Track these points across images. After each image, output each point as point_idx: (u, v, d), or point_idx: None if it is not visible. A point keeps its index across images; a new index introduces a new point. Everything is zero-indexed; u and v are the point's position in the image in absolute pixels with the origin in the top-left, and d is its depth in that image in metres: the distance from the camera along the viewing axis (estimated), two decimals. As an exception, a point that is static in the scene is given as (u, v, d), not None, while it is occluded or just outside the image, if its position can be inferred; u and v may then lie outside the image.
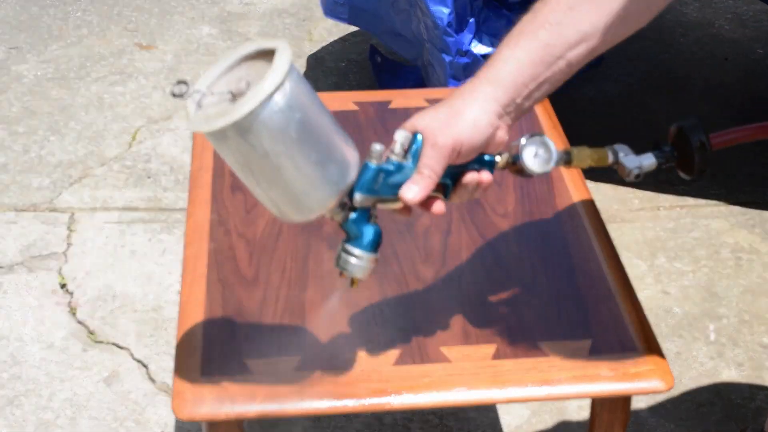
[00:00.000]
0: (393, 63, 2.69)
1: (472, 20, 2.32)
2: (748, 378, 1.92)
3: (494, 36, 2.37)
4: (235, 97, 0.95)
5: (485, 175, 1.07)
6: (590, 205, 1.42)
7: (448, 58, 2.27)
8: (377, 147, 1.03)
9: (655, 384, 1.14)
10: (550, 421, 1.82)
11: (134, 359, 1.95)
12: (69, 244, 2.25)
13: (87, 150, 2.59)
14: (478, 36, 2.35)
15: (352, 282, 1.07)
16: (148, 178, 2.48)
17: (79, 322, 2.04)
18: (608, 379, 1.14)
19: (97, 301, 2.09)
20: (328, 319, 1.20)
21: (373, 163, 1.02)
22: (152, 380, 1.91)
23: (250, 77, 0.96)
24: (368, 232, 1.04)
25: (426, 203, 1.05)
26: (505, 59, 1.04)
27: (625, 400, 1.23)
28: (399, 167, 1.03)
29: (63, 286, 2.14)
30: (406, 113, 1.61)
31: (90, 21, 3.23)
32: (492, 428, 1.81)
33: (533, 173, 1.08)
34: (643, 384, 1.14)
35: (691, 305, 2.09)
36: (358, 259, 1.04)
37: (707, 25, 3.20)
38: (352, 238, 1.04)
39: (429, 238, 1.34)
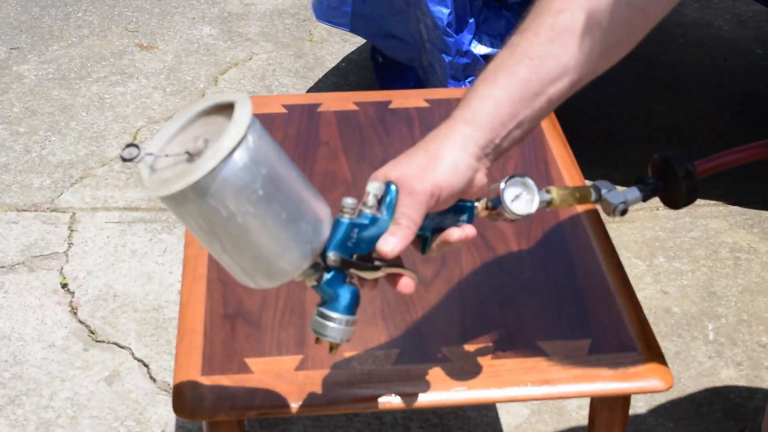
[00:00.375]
0: (394, 63, 2.69)
1: (471, 20, 2.32)
2: (746, 377, 1.92)
3: (494, 36, 2.37)
4: (192, 156, 0.87)
5: (469, 230, 1.00)
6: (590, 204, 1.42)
7: (448, 59, 2.27)
8: (349, 201, 0.95)
9: (654, 383, 1.15)
10: (550, 421, 1.83)
11: (135, 359, 1.96)
12: (70, 244, 2.26)
13: (88, 150, 2.59)
14: (478, 36, 2.35)
15: (331, 348, 0.99)
16: (149, 178, 2.48)
17: (80, 322, 2.05)
18: (607, 379, 1.15)
19: (97, 300, 2.10)
20: None
21: (345, 218, 0.95)
22: (153, 380, 1.91)
23: (208, 134, 0.88)
24: (345, 293, 0.96)
25: (392, 279, 0.99)
26: (483, 97, 0.98)
27: (625, 399, 1.23)
28: (373, 220, 0.95)
29: (64, 285, 2.14)
30: (406, 113, 1.61)
31: (91, 21, 3.23)
32: (492, 427, 1.81)
33: (516, 216, 1.02)
34: (642, 383, 1.15)
35: (689, 305, 2.10)
36: (337, 323, 0.96)
37: (706, 26, 3.20)
38: (328, 301, 0.96)
39: (429, 238, 1.35)
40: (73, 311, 2.08)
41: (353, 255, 0.96)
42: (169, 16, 3.27)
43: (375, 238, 0.96)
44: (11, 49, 3.07)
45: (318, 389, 1.12)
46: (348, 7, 2.50)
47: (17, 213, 2.36)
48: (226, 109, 0.90)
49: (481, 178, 0.99)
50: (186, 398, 1.11)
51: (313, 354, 1.16)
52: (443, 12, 2.24)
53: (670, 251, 2.25)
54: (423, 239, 1.00)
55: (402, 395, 1.12)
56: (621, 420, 1.24)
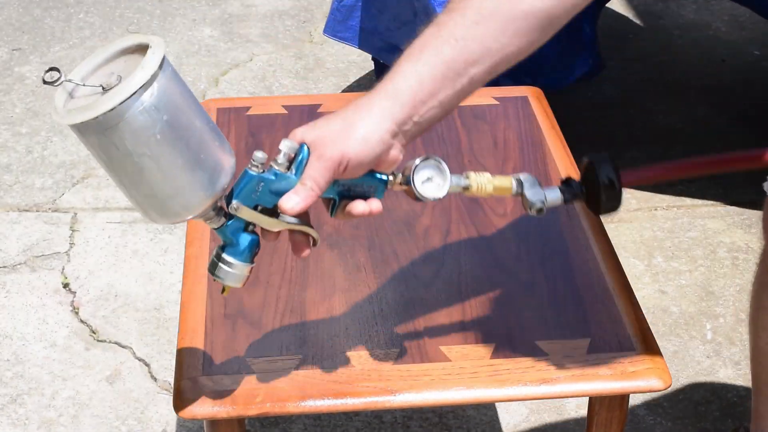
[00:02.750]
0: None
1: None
2: (744, 376, 1.93)
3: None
4: (105, 91, 0.90)
5: (375, 205, 1.03)
6: (588, 205, 1.43)
7: None
8: (259, 155, 0.99)
9: (652, 383, 1.16)
10: (549, 420, 1.84)
11: (136, 358, 1.97)
12: (71, 244, 2.27)
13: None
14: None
15: (224, 289, 1.04)
16: (150, 178, 2.49)
17: (82, 321, 2.06)
18: (606, 378, 1.15)
19: (99, 300, 2.11)
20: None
21: (253, 171, 0.98)
22: (154, 379, 1.92)
23: (124, 72, 0.92)
24: (244, 240, 1.00)
25: (296, 247, 1.03)
26: (406, 73, 1.00)
27: (623, 398, 1.24)
28: (280, 177, 0.99)
29: (66, 285, 2.15)
30: (406, 114, 1.62)
31: (92, 23, 3.24)
32: (491, 427, 1.82)
33: (423, 199, 1.04)
34: (640, 383, 1.16)
35: (688, 304, 2.10)
36: (231, 267, 1.01)
37: (704, 27, 3.21)
38: (227, 245, 1.01)
39: (429, 238, 1.35)
40: (75, 311, 2.08)
41: (257, 206, 1.00)
42: (170, 18, 3.27)
43: (280, 194, 0.99)
44: (13, 50, 3.07)
45: (318, 388, 1.13)
46: (354, 20, 2.50)
47: (19, 213, 2.37)
48: (145, 50, 0.93)
49: (395, 154, 1.02)
50: (187, 397, 1.12)
51: (313, 354, 1.17)
52: None
53: (668, 251, 2.25)
54: (332, 202, 1.03)
55: (402, 395, 1.13)
56: (619, 419, 1.25)
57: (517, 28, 1.00)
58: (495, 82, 2.64)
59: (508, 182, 1.08)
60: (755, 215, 2.37)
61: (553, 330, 1.21)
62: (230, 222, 1.00)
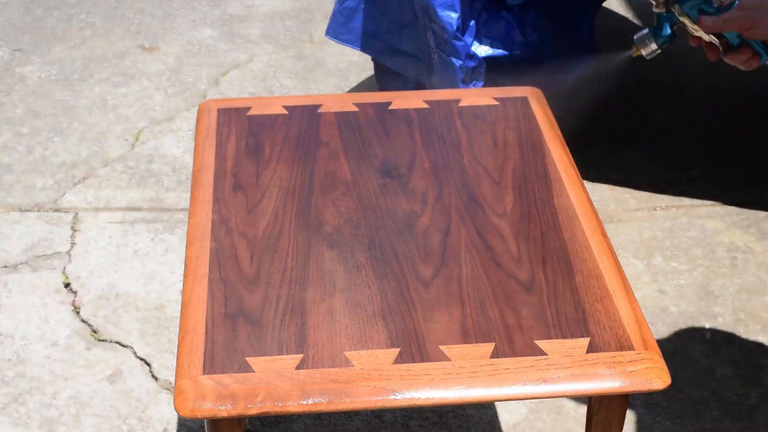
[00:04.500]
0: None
1: (472, 23, 2.33)
2: (743, 376, 1.94)
3: (493, 38, 2.37)
4: None
5: (754, 61, 1.42)
6: (588, 205, 1.44)
7: (458, 63, 2.27)
8: None
9: (652, 382, 1.16)
10: (548, 419, 1.84)
11: (137, 357, 1.97)
12: (73, 244, 2.27)
13: (90, 151, 2.61)
14: (478, 38, 2.36)
15: (636, 51, 1.52)
16: (151, 178, 2.50)
17: (83, 321, 2.06)
18: (605, 378, 1.16)
19: (100, 299, 2.11)
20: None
21: None
22: (155, 378, 1.92)
23: None
24: (666, 31, 1.47)
25: (707, 50, 1.44)
26: None
27: (622, 398, 1.24)
28: (712, 8, 1.40)
29: (67, 285, 2.16)
30: (406, 114, 1.63)
31: (93, 23, 3.25)
32: (490, 426, 1.83)
33: None
34: (639, 382, 1.16)
35: (687, 304, 2.11)
36: (648, 41, 1.48)
37: (705, 27, 3.21)
38: (655, 27, 1.47)
39: (429, 238, 1.36)
40: (76, 310, 2.09)
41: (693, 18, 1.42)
42: (171, 18, 3.28)
43: (703, 13, 1.41)
44: (14, 50, 3.08)
45: (318, 388, 1.13)
46: (355, 23, 2.50)
47: (20, 213, 2.38)
48: None
49: None
50: (188, 397, 1.13)
51: (314, 353, 1.18)
52: (452, 17, 2.24)
53: (667, 251, 2.26)
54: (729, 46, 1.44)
55: (402, 394, 1.13)
56: (619, 418, 1.26)
57: None
58: (495, 82, 2.65)
59: None
60: (754, 215, 2.38)
61: (553, 329, 1.21)
62: (666, 14, 1.45)
